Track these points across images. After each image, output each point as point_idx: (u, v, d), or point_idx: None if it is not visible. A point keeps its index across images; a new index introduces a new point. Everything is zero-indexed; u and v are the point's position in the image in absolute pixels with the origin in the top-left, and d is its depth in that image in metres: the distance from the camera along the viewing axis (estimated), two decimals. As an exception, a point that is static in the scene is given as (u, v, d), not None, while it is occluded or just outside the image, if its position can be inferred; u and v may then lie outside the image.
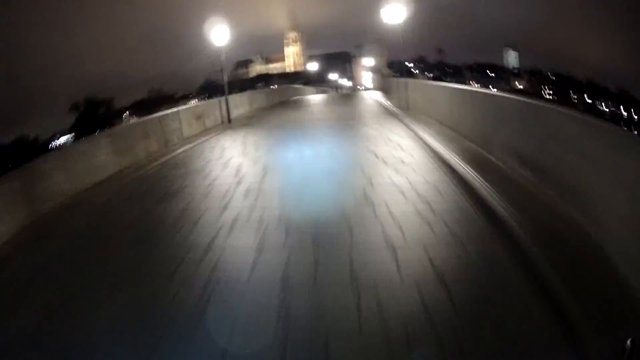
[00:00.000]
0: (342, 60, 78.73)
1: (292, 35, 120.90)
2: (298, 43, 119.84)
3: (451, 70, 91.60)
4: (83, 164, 5.38)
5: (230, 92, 12.08)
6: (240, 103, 13.09)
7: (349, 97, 21.26)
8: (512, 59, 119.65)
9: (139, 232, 3.62)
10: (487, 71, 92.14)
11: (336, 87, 43.73)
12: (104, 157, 5.84)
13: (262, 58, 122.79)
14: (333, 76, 54.93)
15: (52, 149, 32.92)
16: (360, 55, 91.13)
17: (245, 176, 5.15)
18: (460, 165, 4.66)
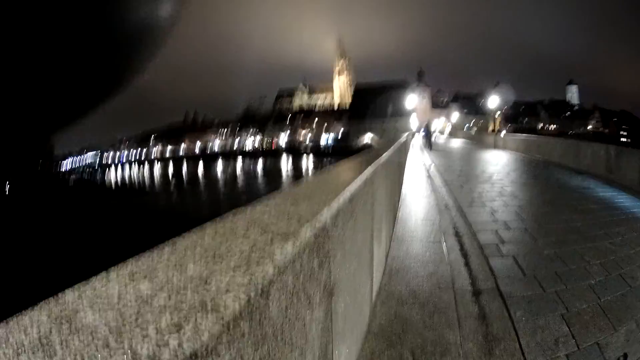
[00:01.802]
0: (398, 90, 71.34)
1: (340, 63, 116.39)
2: (346, 73, 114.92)
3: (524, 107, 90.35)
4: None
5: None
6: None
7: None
8: (573, 94, 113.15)
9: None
10: (561, 113, 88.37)
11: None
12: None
13: (305, 86, 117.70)
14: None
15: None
16: (424, 84, 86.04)
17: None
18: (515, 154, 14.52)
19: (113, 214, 34.31)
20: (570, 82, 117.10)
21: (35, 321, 0.53)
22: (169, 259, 0.71)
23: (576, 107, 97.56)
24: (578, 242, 3.73)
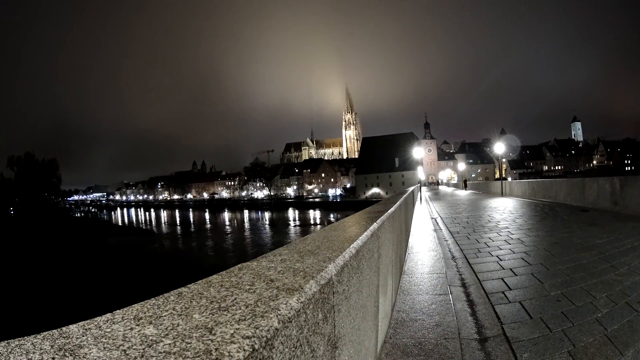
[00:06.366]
0: (404, 143, 72.37)
1: (348, 117, 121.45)
2: (353, 127, 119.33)
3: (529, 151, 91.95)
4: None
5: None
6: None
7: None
8: (577, 131, 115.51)
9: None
10: (566, 152, 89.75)
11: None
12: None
13: (312, 141, 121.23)
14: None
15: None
16: (430, 136, 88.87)
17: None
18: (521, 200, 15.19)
19: (115, 248, 34.65)
20: (574, 120, 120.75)
21: (38, 348, 0.54)
22: (175, 308, 0.74)
23: (580, 144, 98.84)
24: (584, 279, 3.79)
